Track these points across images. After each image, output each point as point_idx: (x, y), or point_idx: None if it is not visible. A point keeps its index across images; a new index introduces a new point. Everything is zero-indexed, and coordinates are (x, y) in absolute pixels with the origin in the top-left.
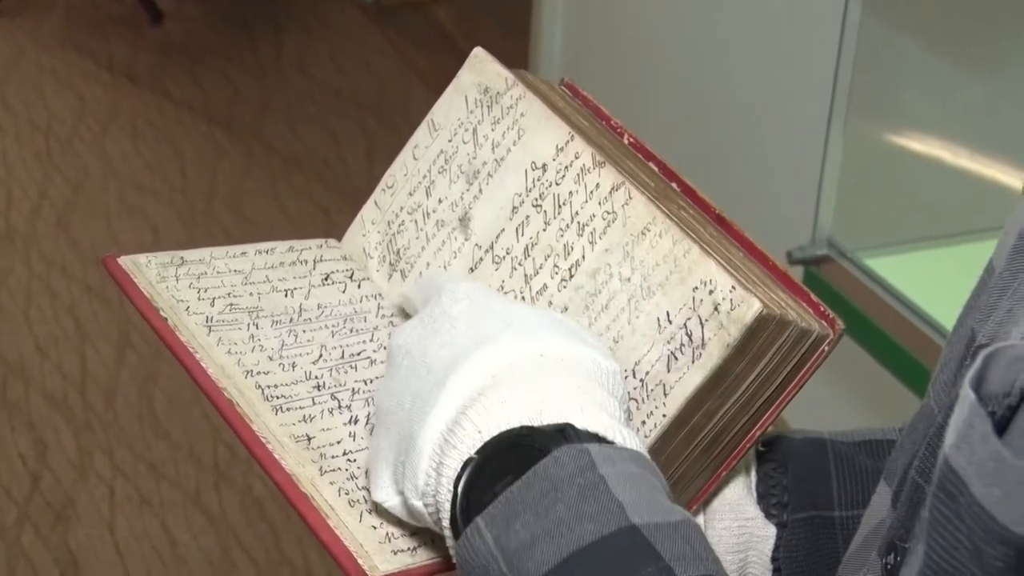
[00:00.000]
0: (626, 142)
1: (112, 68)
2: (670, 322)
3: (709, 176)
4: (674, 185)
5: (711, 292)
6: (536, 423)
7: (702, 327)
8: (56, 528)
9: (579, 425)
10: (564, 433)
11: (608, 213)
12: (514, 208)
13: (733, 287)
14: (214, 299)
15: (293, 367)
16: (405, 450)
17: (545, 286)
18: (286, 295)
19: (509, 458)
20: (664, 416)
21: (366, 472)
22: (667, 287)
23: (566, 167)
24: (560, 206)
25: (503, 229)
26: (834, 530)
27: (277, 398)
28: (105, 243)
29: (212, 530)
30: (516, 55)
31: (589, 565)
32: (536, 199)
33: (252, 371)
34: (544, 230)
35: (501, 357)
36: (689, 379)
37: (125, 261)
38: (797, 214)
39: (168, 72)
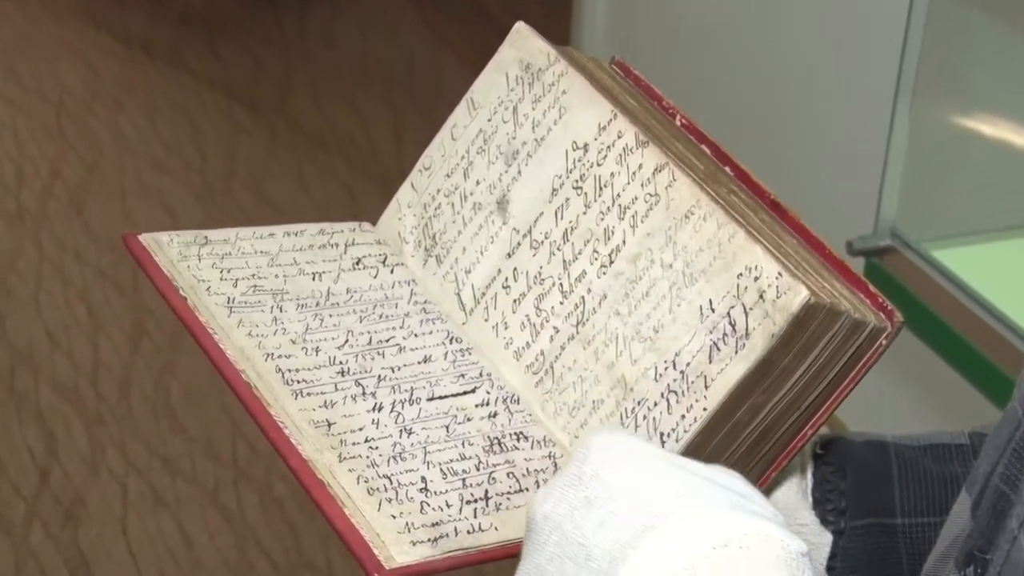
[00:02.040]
0: (678, 123)
1: (128, 40)
2: (713, 310)
3: (763, 160)
4: (727, 169)
5: (756, 279)
6: None
7: (746, 316)
8: (66, 527)
9: None
10: None
11: (651, 195)
12: (554, 190)
13: (780, 274)
14: (237, 280)
15: (317, 352)
16: None
17: (584, 272)
18: (314, 278)
19: None
20: (705, 410)
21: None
22: (710, 273)
23: (608, 147)
24: (601, 188)
25: (542, 212)
26: (896, 538)
27: (298, 382)
28: (119, 224)
29: (230, 530)
30: (557, 31)
31: None
32: (576, 181)
33: (273, 354)
34: (584, 213)
35: (677, 548)
36: (732, 371)
37: (146, 239)
38: (858, 202)
39: (187, 45)
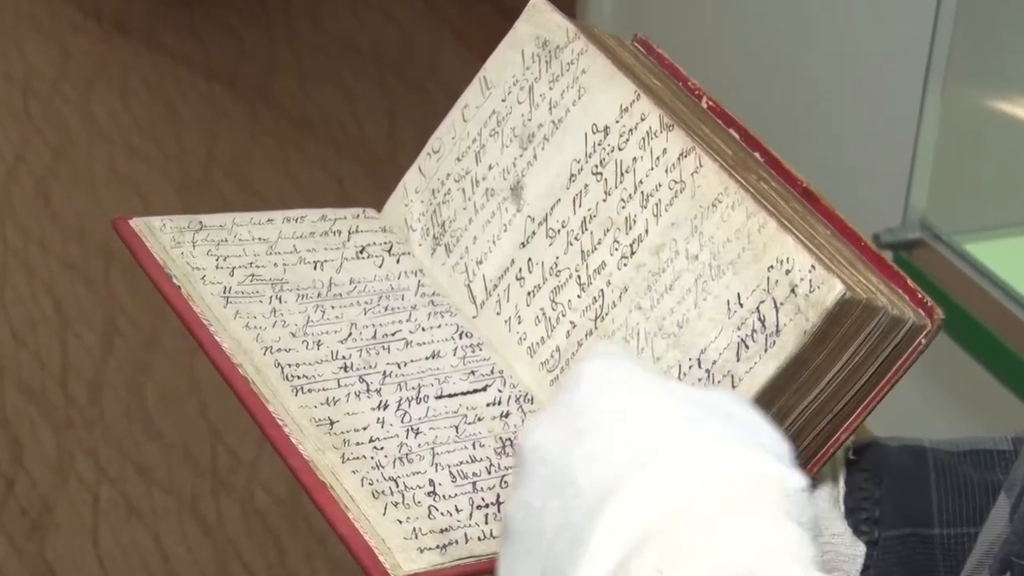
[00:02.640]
0: (704, 106)
1: (100, 17)
2: (741, 305)
3: (784, 147)
4: (757, 155)
5: (788, 272)
6: None
7: (776, 311)
8: (32, 538)
9: None
10: None
11: (675, 182)
12: (571, 176)
13: (813, 266)
14: (234, 268)
15: (318, 345)
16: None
17: (603, 264)
18: (315, 267)
19: None
20: None
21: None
22: (739, 266)
23: (630, 130)
24: (622, 174)
25: (559, 199)
26: (933, 550)
27: (298, 378)
28: (89, 214)
29: (209, 542)
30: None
31: None
32: (596, 166)
33: (272, 347)
34: (604, 201)
35: (670, 486)
36: (761, 370)
37: (137, 223)
38: (886, 192)
39: (164, 22)
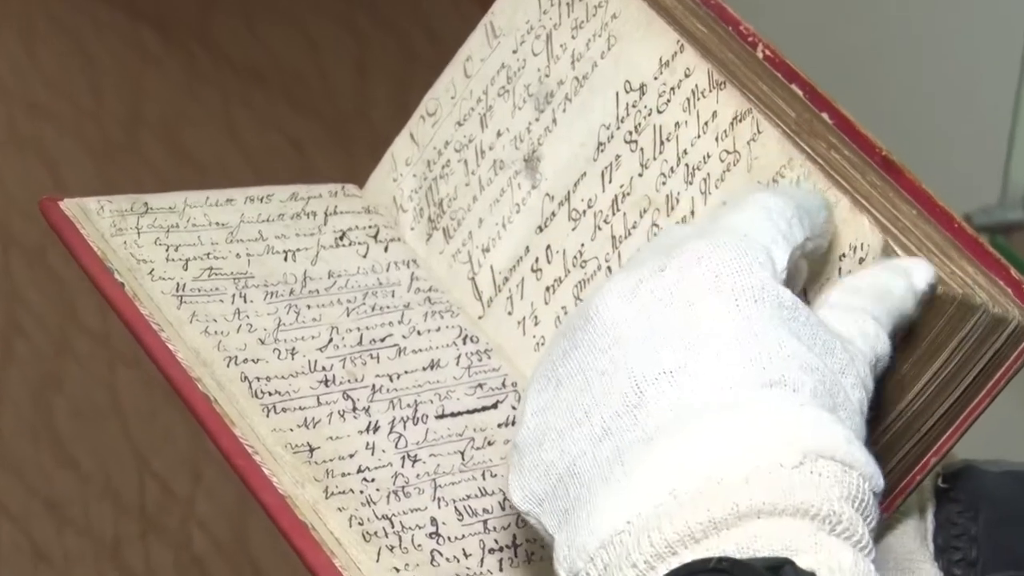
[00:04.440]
0: (760, 56)
1: None
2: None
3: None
4: (825, 116)
5: (862, 260)
6: (745, 554)
7: None
8: None
9: (805, 565)
10: (778, 571)
11: (728, 152)
12: (599, 145)
13: (894, 254)
14: (188, 260)
15: (292, 354)
16: (574, 501)
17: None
18: (286, 258)
19: None
20: None
21: (510, 457)
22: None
23: (672, 89)
24: (663, 142)
25: (584, 173)
26: None
27: (269, 394)
28: None
29: None
30: None
31: None
32: (630, 132)
33: (236, 358)
34: (640, 175)
35: (738, 448)
36: None
37: (69, 206)
38: (981, 166)
39: None
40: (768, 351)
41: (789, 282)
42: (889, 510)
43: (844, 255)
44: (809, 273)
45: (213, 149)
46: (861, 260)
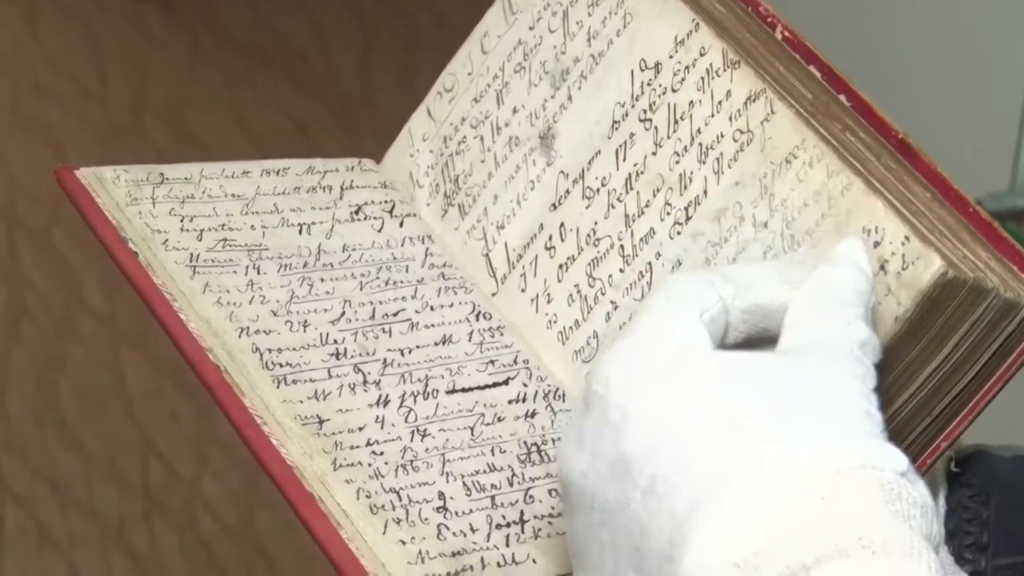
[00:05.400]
0: (779, 37)
1: None
2: None
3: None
4: (843, 97)
5: (876, 244)
6: None
7: None
8: None
9: None
10: None
11: (741, 132)
12: (614, 123)
13: (907, 238)
14: (202, 231)
15: (304, 326)
16: None
17: (652, 231)
18: (300, 231)
19: None
20: None
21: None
22: (817, 236)
23: (687, 68)
24: (676, 121)
25: (598, 151)
26: None
27: (280, 366)
28: None
29: None
30: None
31: None
32: (644, 111)
33: (248, 329)
34: (654, 154)
35: (776, 492)
36: None
37: (86, 175)
38: (991, 152)
39: None
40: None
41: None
42: None
43: None
44: (818, 249)
45: (218, 131)
46: (876, 244)
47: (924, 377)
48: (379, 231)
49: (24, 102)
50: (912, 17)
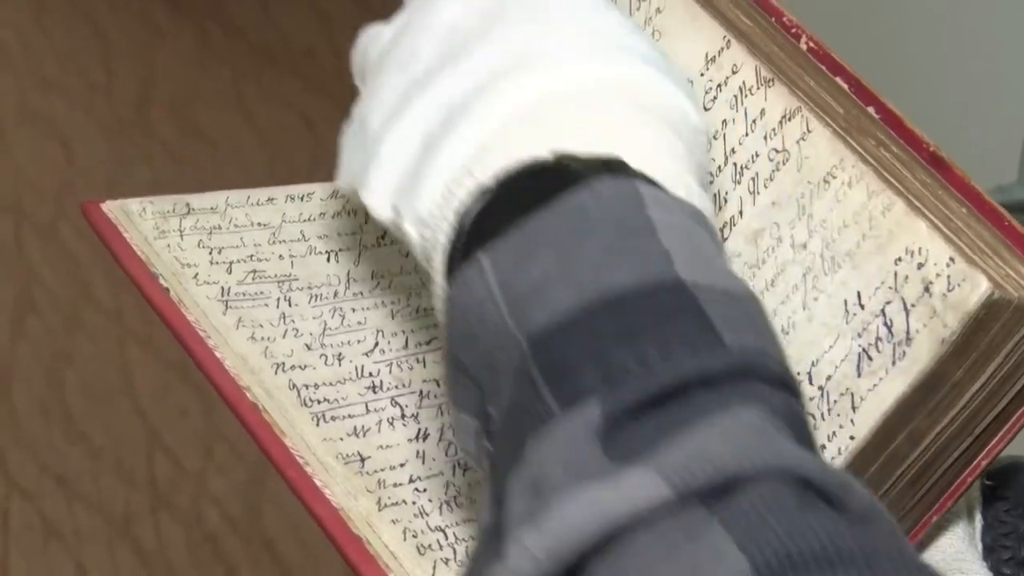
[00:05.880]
0: (804, 47)
1: None
2: (862, 307)
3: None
4: (871, 110)
5: (920, 266)
6: (579, 151)
7: (907, 315)
8: None
9: (635, 165)
10: (610, 166)
11: (777, 152)
12: None
13: (952, 259)
14: (231, 263)
15: (340, 360)
16: (423, 160)
17: None
18: (328, 259)
19: (535, 188)
20: (852, 439)
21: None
22: (858, 257)
23: (719, 86)
24: (710, 140)
25: None
26: None
27: (318, 402)
28: None
29: (146, 573)
30: None
31: (613, 316)
32: None
33: (284, 364)
34: None
35: (564, 78)
36: (888, 387)
37: (112, 208)
38: (999, 144)
39: None
40: (615, 28)
41: None
42: (940, 512)
43: (900, 258)
44: (859, 271)
45: (224, 126)
46: (919, 265)
47: (968, 398)
48: (406, 256)
49: (31, 96)
50: (921, 10)
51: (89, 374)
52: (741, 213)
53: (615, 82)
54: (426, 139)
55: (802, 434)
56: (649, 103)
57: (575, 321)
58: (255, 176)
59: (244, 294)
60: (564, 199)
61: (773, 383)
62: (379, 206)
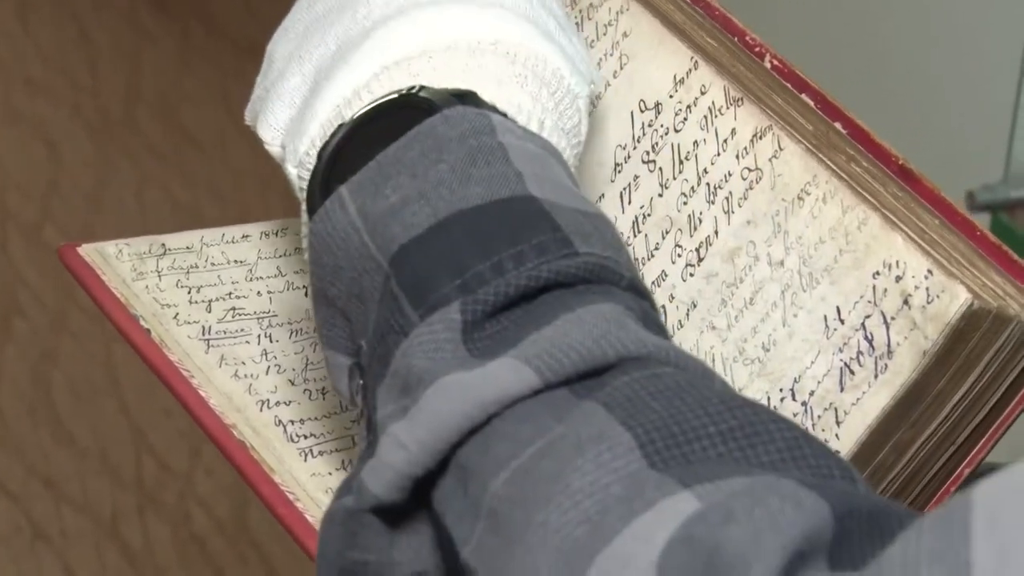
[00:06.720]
0: (768, 66)
1: None
2: (842, 322)
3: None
4: (838, 125)
5: (899, 279)
6: (435, 86)
7: (887, 328)
8: None
9: (488, 99)
10: (464, 98)
11: (750, 170)
12: (616, 165)
13: (930, 271)
14: (210, 302)
15: (323, 394)
16: (308, 101)
17: (664, 274)
18: (306, 294)
19: (390, 121)
20: (836, 452)
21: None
22: (836, 273)
23: (688, 107)
24: (682, 161)
25: (602, 194)
26: None
27: (305, 437)
28: None
29: (133, 574)
30: None
31: (470, 229)
32: (647, 152)
33: (268, 401)
34: (660, 195)
35: (443, 30)
36: (872, 401)
37: (88, 252)
38: (984, 144)
39: None
40: None
41: None
42: None
43: (878, 272)
44: (837, 286)
45: (210, 125)
46: (898, 278)
47: (950, 408)
48: None
49: (16, 97)
50: (906, 7)
51: (75, 374)
52: (717, 233)
53: (491, 37)
54: (316, 79)
55: (659, 330)
56: (522, 59)
57: (431, 236)
58: (241, 175)
59: (225, 332)
60: (418, 128)
61: (625, 288)
62: (272, 142)
